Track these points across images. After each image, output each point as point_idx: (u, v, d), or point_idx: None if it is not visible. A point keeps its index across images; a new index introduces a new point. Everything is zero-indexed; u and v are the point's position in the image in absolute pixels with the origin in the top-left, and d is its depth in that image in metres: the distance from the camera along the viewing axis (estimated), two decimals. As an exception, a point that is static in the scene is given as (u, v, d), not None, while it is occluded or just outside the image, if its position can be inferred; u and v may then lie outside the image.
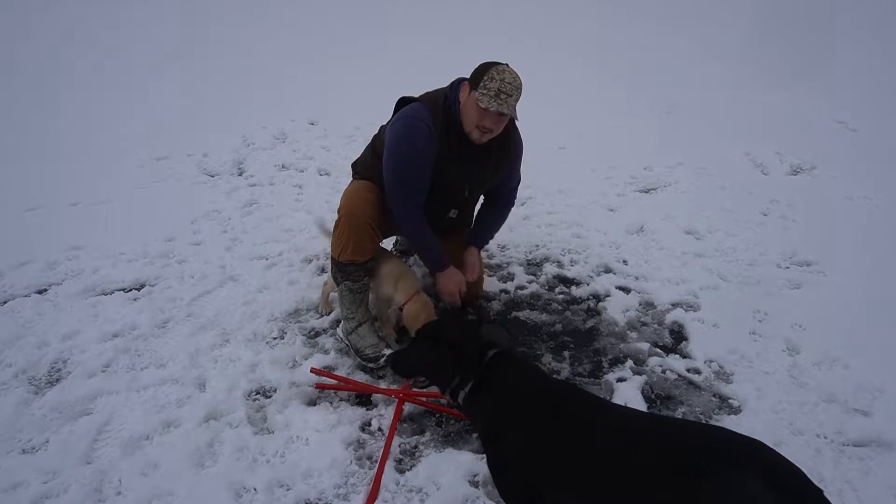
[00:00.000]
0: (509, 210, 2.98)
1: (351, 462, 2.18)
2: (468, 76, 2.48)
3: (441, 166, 2.51)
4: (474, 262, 2.86)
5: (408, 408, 2.43)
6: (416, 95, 2.61)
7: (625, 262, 3.47)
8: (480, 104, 2.31)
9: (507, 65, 2.37)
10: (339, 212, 2.64)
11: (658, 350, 2.80)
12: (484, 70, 2.34)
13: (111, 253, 3.44)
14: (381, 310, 2.86)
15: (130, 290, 3.15)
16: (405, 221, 2.62)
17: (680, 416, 2.41)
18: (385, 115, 2.68)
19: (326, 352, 2.73)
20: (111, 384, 2.49)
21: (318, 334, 2.87)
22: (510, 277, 3.32)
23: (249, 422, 2.33)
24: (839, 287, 3.23)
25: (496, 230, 2.99)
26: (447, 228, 2.82)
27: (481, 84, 2.31)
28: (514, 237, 3.68)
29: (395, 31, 8.63)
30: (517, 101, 2.36)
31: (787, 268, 3.44)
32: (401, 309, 2.70)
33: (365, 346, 2.63)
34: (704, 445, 1.40)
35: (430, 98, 2.53)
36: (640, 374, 2.64)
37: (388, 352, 2.61)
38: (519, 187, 3.00)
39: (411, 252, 3.36)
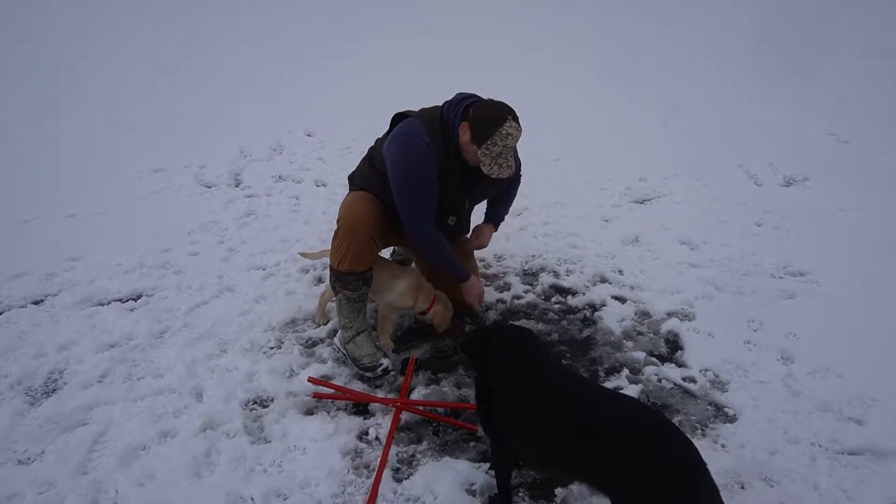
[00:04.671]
0: (517, 186, 3.08)
1: (348, 471, 2.18)
2: (466, 93, 2.53)
3: (442, 182, 2.53)
4: (486, 234, 3.02)
5: (405, 417, 2.43)
6: (411, 110, 2.63)
7: (620, 272, 3.49)
8: (482, 167, 2.42)
9: (510, 119, 2.38)
10: (338, 222, 2.64)
11: (654, 359, 2.81)
12: (490, 128, 2.36)
13: (108, 264, 3.45)
14: (381, 319, 2.87)
15: (127, 300, 3.16)
16: (424, 239, 2.62)
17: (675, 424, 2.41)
18: (381, 127, 2.71)
19: (324, 361, 2.74)
20: (108, 394, 2.50)
21: (315, 344, 2.87)
22: (507, 287, 3.34)
23: (246, 431, 2.33)
24: (833, 297, 3.24)
25: (509, 205, 3.10)
26: (445, 236, 2.83)
27: (484, 146, 2.38)
28: (511, 247, 3.70)
29: (390, 43, 8.70)
30: (514, 152, 2.48)
31: (782, 278, 3.46)
32: (423, 314, 2.82)
33: (362, 356, 2.63)
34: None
35: (426, 115, 2.54)
36: (636, 383, 2.65)
37: (385, 361, 2.62)
38: (515, 199, 3.09)
39: (409, 260, 3.38)
